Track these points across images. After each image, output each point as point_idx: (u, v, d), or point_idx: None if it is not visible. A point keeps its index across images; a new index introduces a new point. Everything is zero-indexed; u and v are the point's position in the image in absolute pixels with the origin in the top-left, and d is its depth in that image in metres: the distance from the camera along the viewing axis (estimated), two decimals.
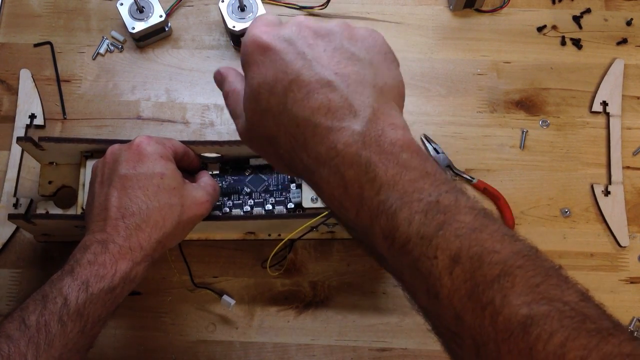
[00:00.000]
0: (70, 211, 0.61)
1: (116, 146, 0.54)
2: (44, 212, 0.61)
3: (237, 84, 0.41)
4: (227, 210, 0.60)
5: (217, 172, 0.61)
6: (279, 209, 0.60)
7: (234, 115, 0.41)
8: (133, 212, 0.49)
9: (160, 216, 0.50)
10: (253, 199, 0.60)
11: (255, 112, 0.37)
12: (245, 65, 0.37)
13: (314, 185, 0.35)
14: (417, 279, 0.31)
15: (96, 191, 0.52)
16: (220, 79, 0.43)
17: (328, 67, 0.34)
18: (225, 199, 0.60)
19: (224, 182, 0.61)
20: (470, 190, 0.66)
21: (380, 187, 0.32)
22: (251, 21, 0.67)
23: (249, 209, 0.60)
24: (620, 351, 0.27)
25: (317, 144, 0.33)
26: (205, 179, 0.57)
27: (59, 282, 0.46)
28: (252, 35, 0.37)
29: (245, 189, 0.61)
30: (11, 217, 0.56)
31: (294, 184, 0.60)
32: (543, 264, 0.30)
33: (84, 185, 0.59)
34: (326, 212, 0.56)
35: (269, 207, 0.60)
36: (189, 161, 0.58)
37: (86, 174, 0.59)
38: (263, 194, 0.61)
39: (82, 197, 0.59)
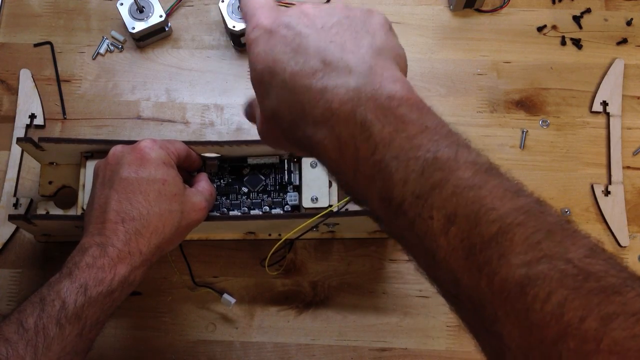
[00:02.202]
0: (71, 211, 0.61)
1: (119, 147, 0.53)
2: (44, 212, 0.61)
3: None
4: (225, 210, 0.60)
5: (216, 170, 0.61)
6: (276, 211, 0.60)
7: (255, 120, 0.40)
8: (133, 216, 0.49)
9: (160, 222, 0.50)
10: (250, 199, 0.60)
11: (261, 96, 0.36)
12: (249, 52, 0.37)
13: (313, 152, 0.34)
14: (414, 240, 0.30)
15: (97, 192, 0.52)
16: (251, 109, 0.42)
17: (325, 38, 0.34)
18: (224, 197, 0.60)
19: (222, 181, 0.61)
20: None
21: (375, 147, 0.30)
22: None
23: (246, 209, 0.60)
24: (625, 310, 0.25)
25: (313, 107, 0.32)
26: (203, 184, 0.57)
27: (57, 285, 0.46)
28: (256, 22, 0.36)
29: (243, 188, 0.61)
30: (11, 218, 0.56)
31: (291, 186, 0.60)
32: (547, 219, 0.28)
33: (84, 185, 0.59)
34: (324, 212, 0.56)
35: (265, 208, 0.60)
36: (191, 162, 0.58)
37: (86, 174, 0.59)
38: (260, 194, 0.61)
39: (82, 197, 0.59)
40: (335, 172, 0.33)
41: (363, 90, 0.31)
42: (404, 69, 0.35)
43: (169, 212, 0.50)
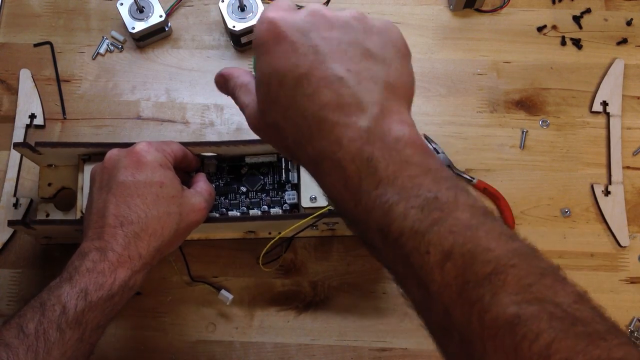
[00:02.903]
0: (71, 213, 0.61)
1: (115, 151, 0.53)
2: (44, 214, 0.61)
3: (244, 77, 0.41)
4: (224, 210, 0.60)
5: (214, 170, 0.61)
6: (275, 210, 0.60)
7: (242, 105, 0.40)
8: (132, 220, 0.49)
9: (159, 225, 0.50)
10: (249, 199, 0.60)
11: (264, 101, 0.37)
12: (257, 51, 0.37)
13: (316, 177, 0.36)
14: (408, 272, 0.31)
15: (94, 196, 0.51)
16: (223, 80, 0.42)
17: (340, 62, 0.34)
18: (222, 197, 0.60)
19: (220, 181, 0.61)
20: (471, 191, 0.66)
21: (379, 182, 0.32)
22: (252, 21, 0.67)
23: (245, 209, 0.60)
24: (609, 356, 0.26)
25: (323, 137, 0.33)
26: (202, 184, 0.56)
27: (58, 290, 0.45)
28: (267, 21, 0.36)
29: (242, 187, 0.61)
30: (11, 224, 0.56)
31: (289, 185, 0.60)
32: (539, 264, 0.30)
33: (82, 188, 0.59)
34: (320, 212, 0.56)
35: (264, 207, 0.60)
36: (188, 163, 0.58)
37: (84, 177, 0.59)
38: (259, 194, 0.61)
39: (81, 200, 0.58)
40: (337, 200, 0.35)
41: (372, 131, 0.33)
42: (410, 100, 0.37)
43: (167, 214, 0.50)
